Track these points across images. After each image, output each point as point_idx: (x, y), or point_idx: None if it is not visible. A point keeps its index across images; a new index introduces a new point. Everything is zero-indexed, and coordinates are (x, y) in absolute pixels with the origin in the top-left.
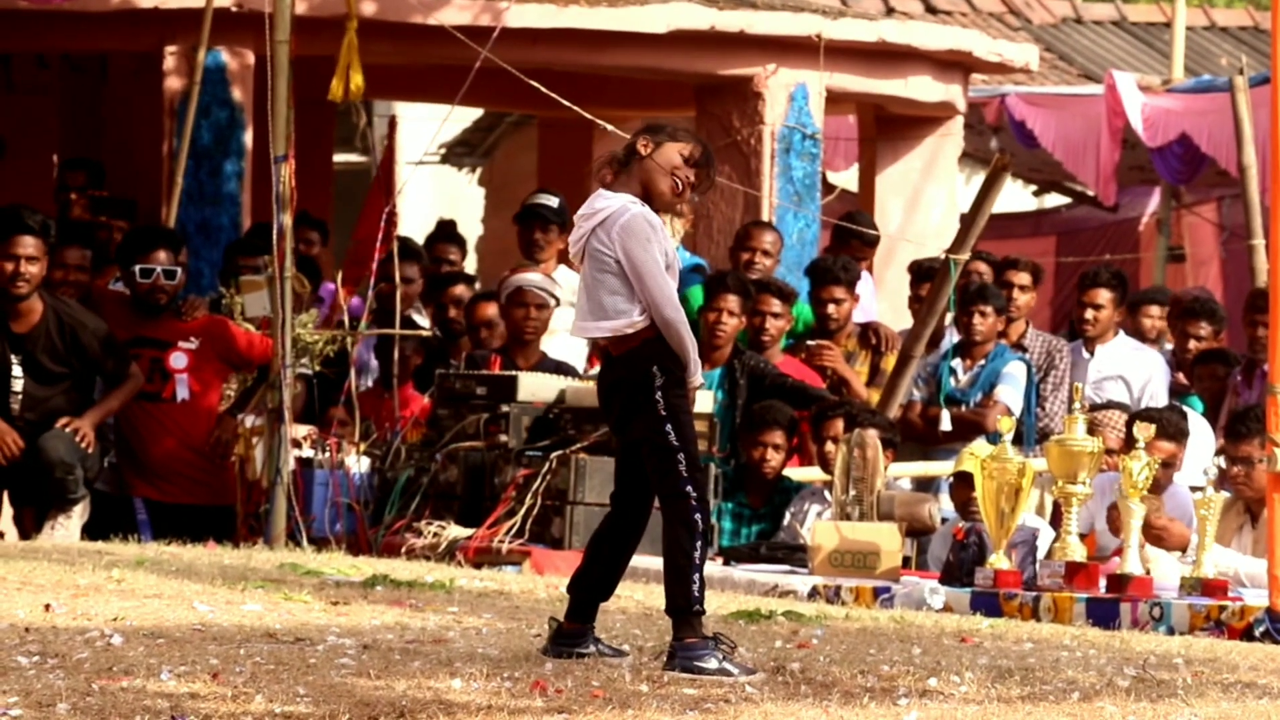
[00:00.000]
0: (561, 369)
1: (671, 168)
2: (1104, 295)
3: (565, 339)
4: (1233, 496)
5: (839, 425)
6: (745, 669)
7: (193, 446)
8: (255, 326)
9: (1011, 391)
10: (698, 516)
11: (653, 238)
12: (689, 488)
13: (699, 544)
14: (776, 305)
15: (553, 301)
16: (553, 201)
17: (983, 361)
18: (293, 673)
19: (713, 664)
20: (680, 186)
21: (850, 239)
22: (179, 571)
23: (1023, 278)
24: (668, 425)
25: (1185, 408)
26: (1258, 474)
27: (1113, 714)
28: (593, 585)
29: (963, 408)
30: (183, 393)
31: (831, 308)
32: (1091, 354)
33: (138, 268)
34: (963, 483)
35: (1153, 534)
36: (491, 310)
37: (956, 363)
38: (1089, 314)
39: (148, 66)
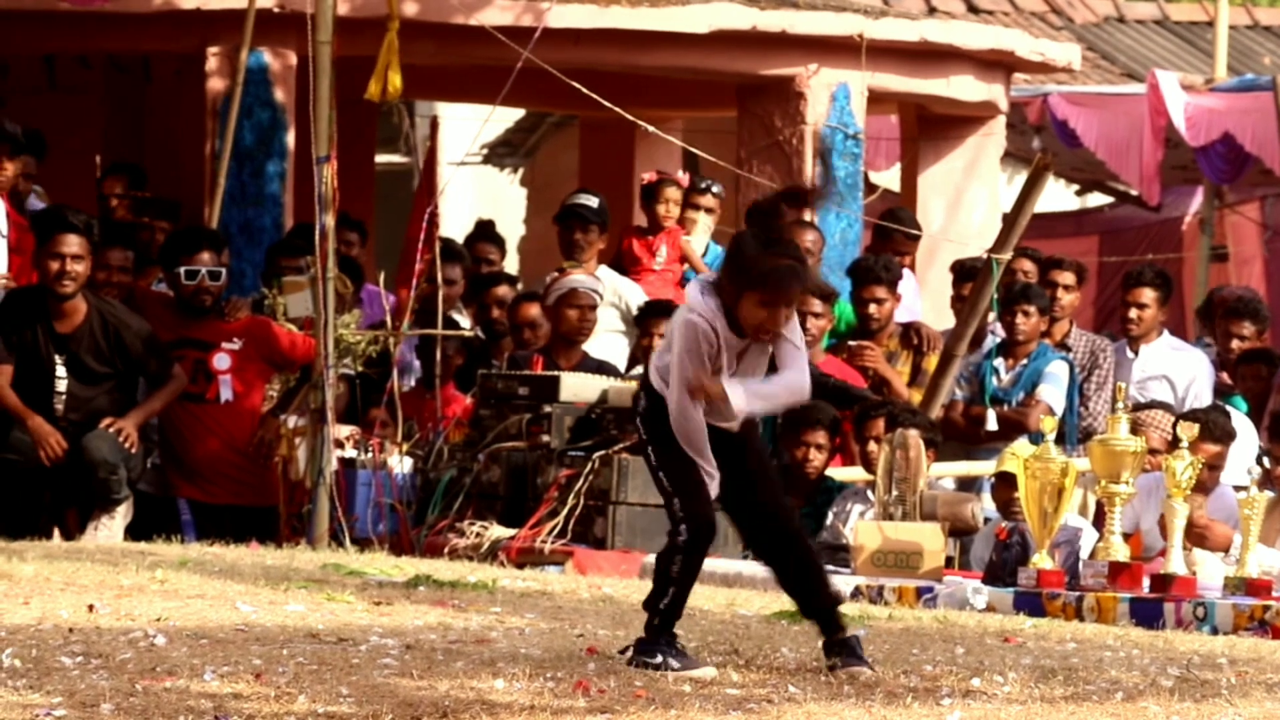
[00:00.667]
0: (603, 369)
1: (755, 323)
2: (1148, 294)
3: (606, 339)
4: (1277, 496)
5: (881, 425)
6: (691, 664)
7: (236, 447)
8: (298, 327)
9: (1054, 391)
10: (682, 545)
11: (697, 348)
12: (681, 527)
13: (681, 566)
14: (817, 305)
15: (598, 300)
16: (593, 201)
17: (1025, 361)
18: (336, 673)
19: (657, 658)
20: (766, 330)
21: (891, 236)
22: (222, 572)
23: (1067, 277)
24: (660, 474)
25: (1229, 408)
26: None
27: (1156, 714)
28: (801, 598)
29: (1005, 407)
30: (226, 393)
31: (873, 308)
32: (1135, 354)
33: (182, 269)
34: (1004, 483)
35: (1195, 534)
36: (534, 311)
37: (999, 362)
38: (1133, 313)
39: (190, 67)
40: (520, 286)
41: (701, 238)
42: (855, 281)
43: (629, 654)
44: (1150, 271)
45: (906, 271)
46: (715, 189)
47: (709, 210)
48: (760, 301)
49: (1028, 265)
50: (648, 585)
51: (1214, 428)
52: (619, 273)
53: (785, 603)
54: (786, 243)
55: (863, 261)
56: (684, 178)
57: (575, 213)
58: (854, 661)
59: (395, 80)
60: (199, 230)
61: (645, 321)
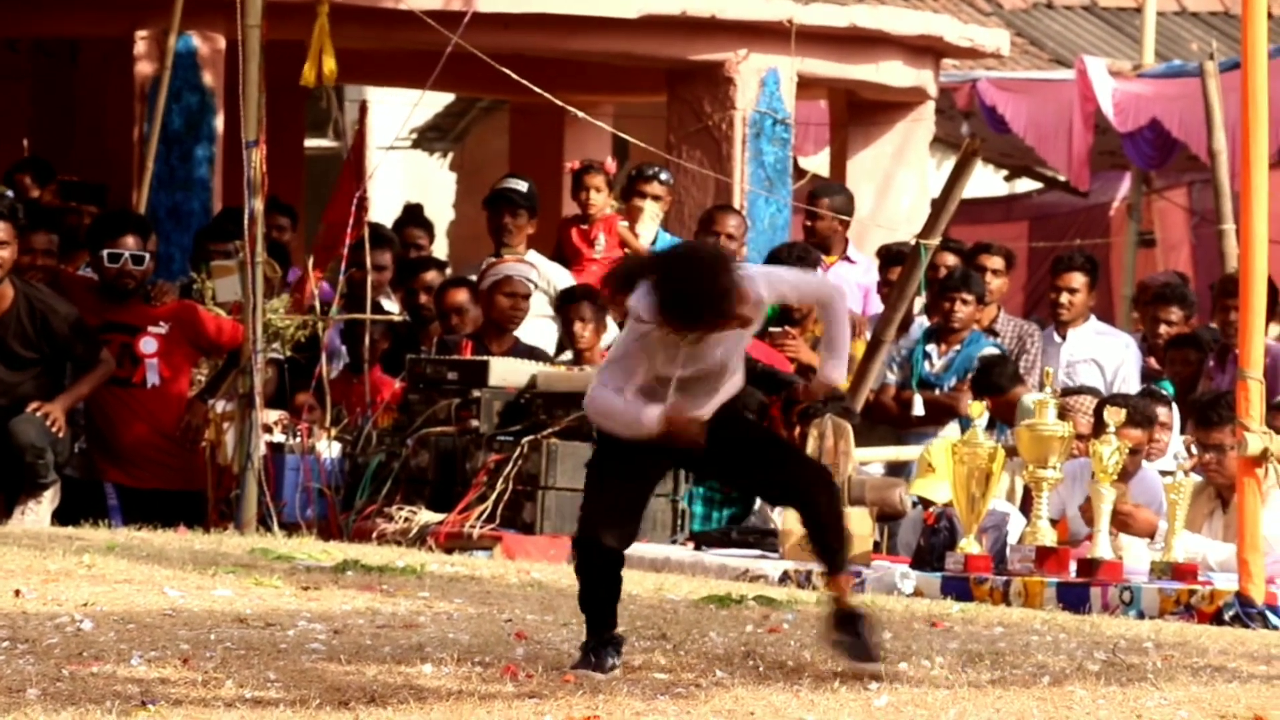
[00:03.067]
0: (534, 354)
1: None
2: (1079, 279)
3: (536, 324)
4: (1203, 482)
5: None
6: (599, 668)
7: (163, 431)
8: (226, 311)
9: None
10: (578, 567)
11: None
12: (577, 548)
13: (579, 579)
14: None
15: (533, 289)
16: (522, 186)
17: (958, 347)
18: (263, 658)
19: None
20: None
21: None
22: (149, 557)
23: (996, 262)
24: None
25: (1165, 392)
26: (1229, 461)
27: (1082, 698)
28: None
29: (936, 392)
30: (153, 378)
31: None
32: (1064, 338)
33: (106, 252)
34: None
35: (1120, 520)
36: (462, 296)
37: (931, 348)
38: (1064, 298)
39: (118, 51)
40: (449, 271)
41: (650, 225)
42: None
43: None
44: (1080, 257)
45: (861, 254)
46: (664, 176)
47: (656, 198)
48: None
49: (951, 260)
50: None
51: (1137, 412)
52: (561, 264)
53: (713, 587)
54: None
55: (777, 252)
56: (611, 164)
57: (504, 197)
58: (855, 647)
59: (330, 64)
60: (124, 214)
61: (566, 307)
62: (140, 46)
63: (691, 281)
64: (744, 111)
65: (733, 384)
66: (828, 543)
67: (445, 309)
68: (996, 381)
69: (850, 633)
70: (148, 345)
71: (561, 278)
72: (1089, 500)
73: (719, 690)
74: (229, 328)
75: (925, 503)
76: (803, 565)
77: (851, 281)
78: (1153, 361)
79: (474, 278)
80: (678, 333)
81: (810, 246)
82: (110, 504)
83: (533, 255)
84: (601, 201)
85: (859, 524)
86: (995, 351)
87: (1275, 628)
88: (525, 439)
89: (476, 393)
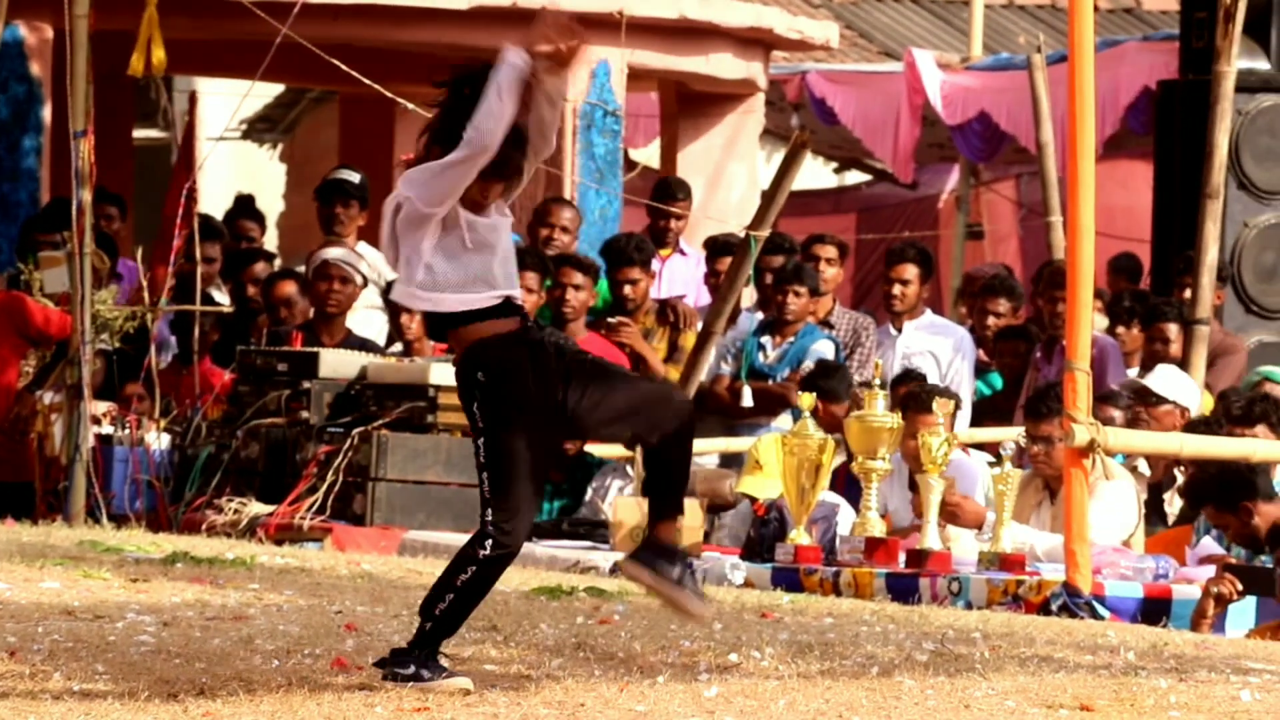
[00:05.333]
0: (365, 345)
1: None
2: (911, 271)
3: (365, 315)
4: (1031, 473)
5: None
6: (446, 675)
7: None
8: (54, 302)
9: None
10: (481, 559)
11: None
12: (487, 542)
13: (471, 579)
14: (578, 278)
15: (358, 278)
16: (354, 177)
17: (792, 339)
18: (91, 650)
19: (409, 669)
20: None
21: (661, 203)
22: None
23: (829, 251)
24: (484, 472)
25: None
26: (1058, 453)
27: (911, 688)
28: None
29: (769, 383)
30: None
31: (628, 289)
32: (899, 331)
33: None
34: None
35: (948, 511)
36: (289, 289)
37: (766, 339)
38: (896, 289)
39: None
40: (279, 263)
41: None
42: (609, 263)
43: (384, 665)
44: (912, 249)
45: (691, 247)
46: None
47: None
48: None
49: (778, 260)
50: (406, 562)
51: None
52: None
53: (544, 579)
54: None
55: (614, 243)
56: None
57: (337, 187)
58: (662, 571)
59: (159, 54)
60: None
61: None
62: None
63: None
64: (574, 103)
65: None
66: (672, 480)
67: (273, 301)
68: (832, 389)
69: (673, 562)
70: None
71: (390, 269)
72: (920, 491)
73: (550, 682)
74: (56, 318)
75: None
76: None
77: (684, 274)
78: (982, 354)
79: (302, 269)
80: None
81: (645, 239)
82: None
83: (362, 246)
84: None
85: (690, 515)
86: (832, 359)
87: (1101, 618)
88: (355, 430)
89: (307, 384)
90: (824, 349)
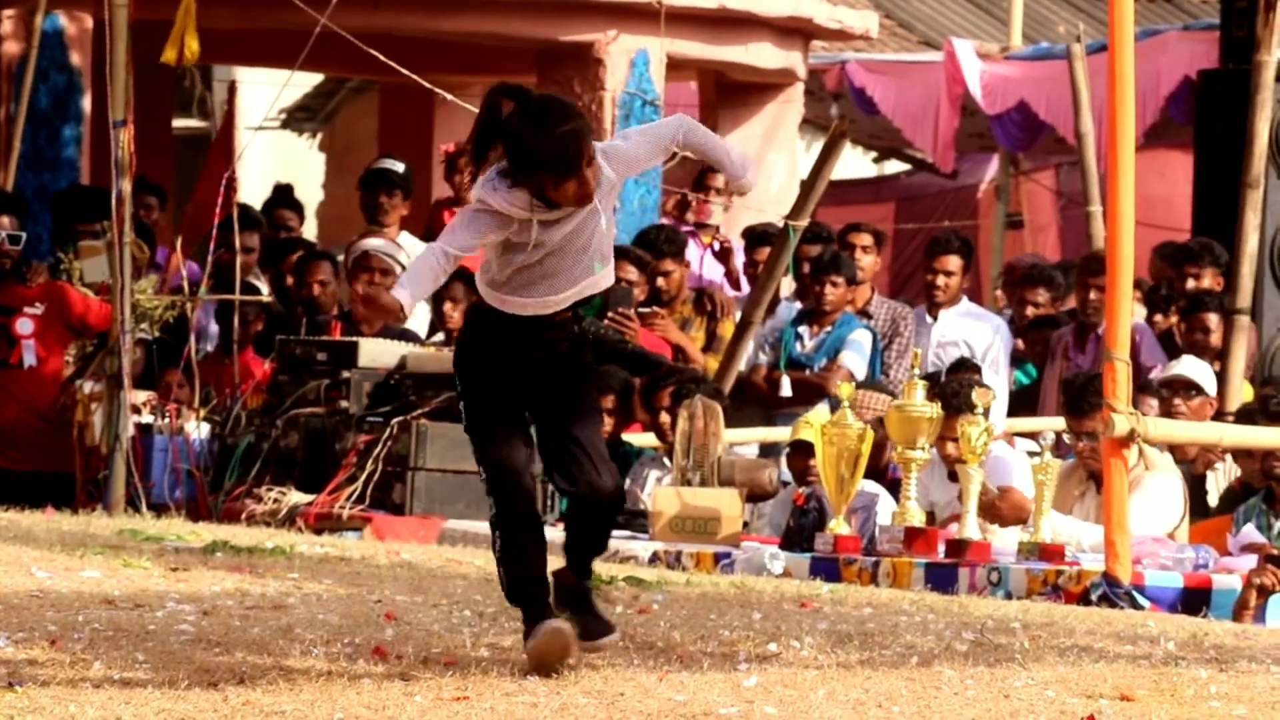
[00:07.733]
0: (404, 335)
1: (570, 197)
2: (954, 262)
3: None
4: (1074, 463)
5: (668, 395)
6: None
7: (38, 413)
8: (94, 292)
9: (856, 358)
10: (493, 520)
11: (468, 221)
12: (490, 500)
13: (501, 545)
14: (632, 272)
15: (398, 269)
16: (399, 167)
17: (830, 328)
18: (131, 639)
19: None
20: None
21: (703, 191)
22: (17, 538)
23: (864, 239)
24: (471, 438)
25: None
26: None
27: (950, 678)
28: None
29: (806, 373)
30: (29, 359)
31: (661, 280)
32: (935, 319)
33: None
34: (799, 452)
35: (988, 509)
36: (323, 270)
37: (804, 329)
38: (939, 280)
39: None
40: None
41: None
42: None
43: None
44: (956, 240)
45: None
46: None
47: None
48: (557, 182)
49: (816, 250)
50: (445, 551)
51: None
52: None
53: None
54: (553, 106)
55: (645, 235)
56: None
57: (382, 177)
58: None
59: (192, 44)
60: None
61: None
62: (6, 26)
63: (546, 125)
64: (613, 93)
65: (592, 280)
66: (589, 547)
67: (306, 280)
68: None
69: (581, 610)
70: (24, 326)
71: None
72: (960, 482)
73: (589, 671)
74: (96, 308)
75: (801, 475)
76: (672, 546)
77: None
78: (1019, 344)
79: (340, 257)
80: (532, 191)
81: (677, 229)
82: None
83: (404, 237)
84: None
85: (729, 505)
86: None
87: (1141, 608)
88: (395, 420)
89: (346, 373)
90: (861, 338)
